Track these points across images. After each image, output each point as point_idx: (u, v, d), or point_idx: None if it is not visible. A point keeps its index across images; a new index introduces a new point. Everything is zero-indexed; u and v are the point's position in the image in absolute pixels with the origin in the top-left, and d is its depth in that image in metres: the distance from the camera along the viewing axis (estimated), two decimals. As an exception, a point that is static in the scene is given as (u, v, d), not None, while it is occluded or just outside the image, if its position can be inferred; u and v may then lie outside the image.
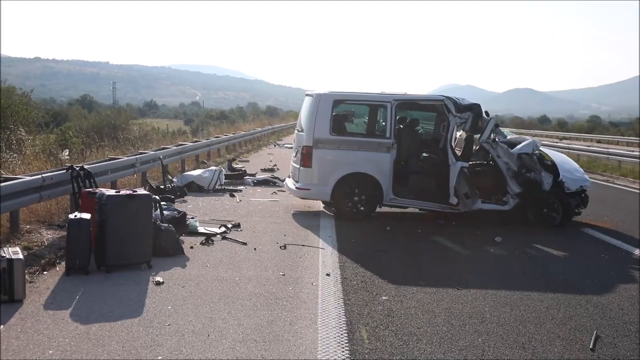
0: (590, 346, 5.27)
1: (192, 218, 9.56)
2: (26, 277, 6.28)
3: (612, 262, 8.59)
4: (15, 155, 13.43)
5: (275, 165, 19.64)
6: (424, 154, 11.86)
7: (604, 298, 6.75)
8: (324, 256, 8.13)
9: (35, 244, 8.02)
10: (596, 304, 6.49)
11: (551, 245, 9.34)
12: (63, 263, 7.10)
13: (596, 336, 5.48)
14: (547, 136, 50.18)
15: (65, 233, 7.17)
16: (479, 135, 11.00)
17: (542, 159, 11.07)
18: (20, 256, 6.00)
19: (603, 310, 6.32)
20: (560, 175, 10.69)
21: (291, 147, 13.44)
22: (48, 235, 8.57)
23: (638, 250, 9.27)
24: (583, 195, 11.06)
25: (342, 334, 5.33)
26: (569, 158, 12.30)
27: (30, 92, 24.97)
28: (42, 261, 7.25)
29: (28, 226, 8.79)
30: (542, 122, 79.85)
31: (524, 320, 5.90)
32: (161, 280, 6.66)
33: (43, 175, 8.84)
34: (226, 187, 13.99)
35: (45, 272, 6.90)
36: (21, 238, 8.18)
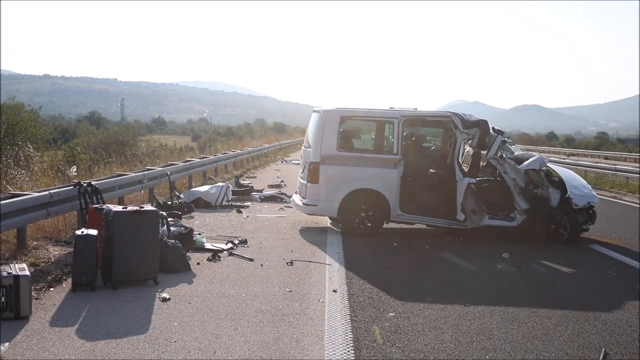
0: (599, 364, 5.22)
1: (199, 234, 9.57)
2: (32, 293, 6.29)
3: (619, 278, 8.53)
4: (23, 171, 13.49)
5: (282, 181, 19.67)
6: (431, 170, 11.86)
7: (612, 315, 6.69)
8: (331, 272, 8.11)
9: (42, 260, 8.04)
10: (604, 321, 6.44)
11: (559, 262, 9.29)
12: (69, 279, 7.10)
13: (605, 353, 5.43)
14: (554, 152, 50.09)
15: (72, 249, 7.18)
16: (486, 151, 10.99)
17: (550, 175, 11.04)
18: (27, 272, 6.01)
19: (611, 327, 6.26)
20: (568, 192, 10.66)
21: (298, 163, 13.46)
22: (55, 251, 8.59)
23: (647, 266, 9.21)
24: (591, 211, 11.01)
25: (349, 351, 5.29)
26: (576, 174, 12.26)
27: (39, 108, 25.17)
28: (49, 277, 7.27)
29: (35, 242, 8.82)
30: (550, 139, 79.75)
31: (532, 337, 5.85)
32: (167, 297, 6.65)
33: (51, 191, 8.87)
34: (233, 203, 14.01)
35: (51, 289, 6.90)
36: (28, 254, 8.21)
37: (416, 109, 11.55)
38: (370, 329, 5.91)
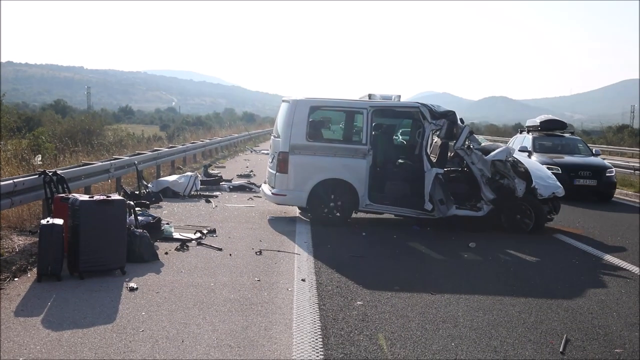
0: (560, 349, 5.35)
1: (167, 224, 9.51)
2: (-3, 283, 6.20)
3: (582, 267, 8.73)
4: (-14, 160, 13.21)
5: (251, 171, 19.63)
6: (400, 160, 11.95)
7: (574, 302, 6.85)
8: (300, 262, 8.15)
9: (6, 250, 7.90)
10: (566, 308, 6.59)
11: (524, 251, 9.47)
12: (34, 269, 7.00)
13: (566, 340, 5.57)
14: (521, 143, 50.67)
15: (37, 239, 7.09)
16: (454, 142, 11.11)
17: (516, 166, 11.22)
18: (-9, 262, 5.92)
19: (573, 314, 6.42)
20: (533, 182, 10.85)
21: (267, 153, 13.44)
22: (19, 241, 8.46)
23: (608, 255, 9.43)
24: (555, 201, 11.22)
25: (317, 339, 5.34)
26: (542, 165, 12.48)
27: (3, 96, 24.65)
28: (13, 267, 7.15)
29: (-1, 232, 8.68)
30: (517, 130, 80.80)
31: (496, 324, 5.97)
32: (135, 286, 6.61)
33: (15, 180, 8.72)
34: (202, 193, 13.94)
35: (16, 279, 6.81)
36: (-8, 244, 8.07)
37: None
38: (337, 317, 5.97)
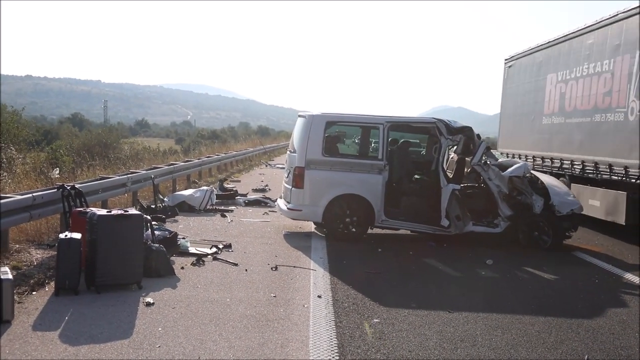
0: (582, 371, 5.27)
1: (183, 238, 9.52)
2: (15, 297, 6.21)
3: (602, 285, 8.61)
4: (5, 173, 13.36)
5: (266, 185, 19.64)
6: (416, 176, 11.91)
7: (595, 322, 6.75)
8: (316, 278, 8.11)
9: (24, 263, 7.95)
10: (587, 328, 6.50)
11: (542, 269, 9.36)
12: (52, 283, 7.02)
13: (588, 360, 5.48)
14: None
15: (55, 253, 7.11)
16: (471, 157, 11.06)
17: (534, 182, 11.13)
18: (9, 276, 5.94)
19: (594, 334, 6.32)
20: (551, 199, 10.75)
21: (283, 168, 13.46)
22: (37, 254, 8.50)
23: (629, 274, 9.30)
24: (574, 218, 11.09)
25: (333, 356, 5.29)
26: (559, 181, 12.37)
27: (22, 110, 24.93)
28: (31, 281, 7.19)
29: (17, 245, 8.73)
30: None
31: (516, 344, 5.89)
32: (151, 301, 6.61)
33: (33, 194, 8.79)
34: (217, 207, 13.96)
35: (34, 293, 6.83)
36: (10, 257, 8.11)
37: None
38: (354, 334, 5.92)
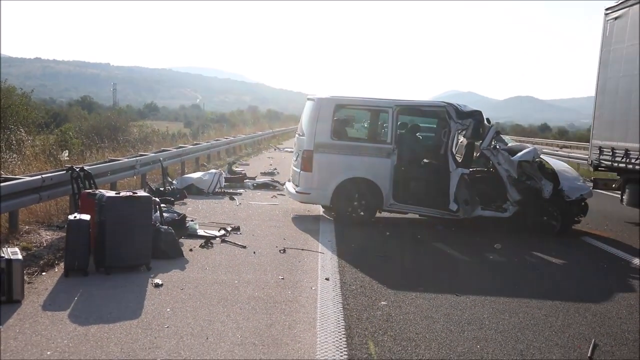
0: (588, 354, 5.26)
1: (192, 220, 9.55)
2: (25, 277, 6.27)
3: (611, 270, 8.60)
4: (15, 155, 13.42)
5: (275, 168, 19.66)
6: (425, 160, 11.87)
7: (603, 306, 6.75)
8: (324, 260, 8.13)
9: (34, 244, 8.01)
10: (594, 312, 6.49)
11: (550, 253, 9.35)
12: (62, 264, 7.08)
13: (594, 344, 5.48)
14: (547, 144, 50.20)
15: (65, 234, 7.17)
16: (480, 142, 11.00)
17: (543, 167, 11.07)
18: (19, 257, 5.99)
19: (601, 318, 6.31)
20: (561, 184, 10.69)
21: (291, 151, 13.45)
22: (47, 236, 8.56)
23: (637, 259, 9.27)
24: (583, 203, 11.04)
25: (340, 338, 5.32)
26: (569, 166, 12.30)
27: (31, 92, 24.97)
28: (41, 262, 7.24)
29: (27, 227, 8.79)
30: (543, 130, 79.76)
31: (523, 327, 5.90)
32: (160, 283, 6.65)
33: (43, 175, 8.84)
34: (226, 190, 13.99)
35: (44, 273, 6.89)
36: (20, 238, 8.18)
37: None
38: (361, 316, 5.95)
